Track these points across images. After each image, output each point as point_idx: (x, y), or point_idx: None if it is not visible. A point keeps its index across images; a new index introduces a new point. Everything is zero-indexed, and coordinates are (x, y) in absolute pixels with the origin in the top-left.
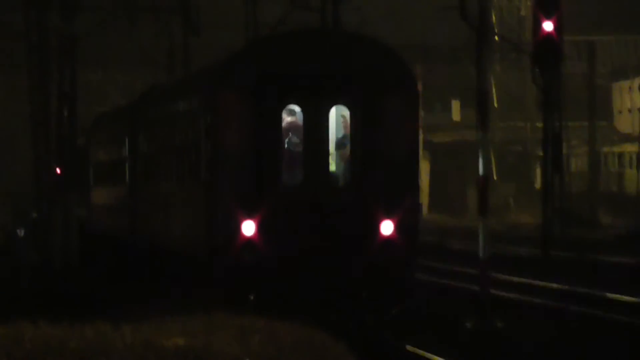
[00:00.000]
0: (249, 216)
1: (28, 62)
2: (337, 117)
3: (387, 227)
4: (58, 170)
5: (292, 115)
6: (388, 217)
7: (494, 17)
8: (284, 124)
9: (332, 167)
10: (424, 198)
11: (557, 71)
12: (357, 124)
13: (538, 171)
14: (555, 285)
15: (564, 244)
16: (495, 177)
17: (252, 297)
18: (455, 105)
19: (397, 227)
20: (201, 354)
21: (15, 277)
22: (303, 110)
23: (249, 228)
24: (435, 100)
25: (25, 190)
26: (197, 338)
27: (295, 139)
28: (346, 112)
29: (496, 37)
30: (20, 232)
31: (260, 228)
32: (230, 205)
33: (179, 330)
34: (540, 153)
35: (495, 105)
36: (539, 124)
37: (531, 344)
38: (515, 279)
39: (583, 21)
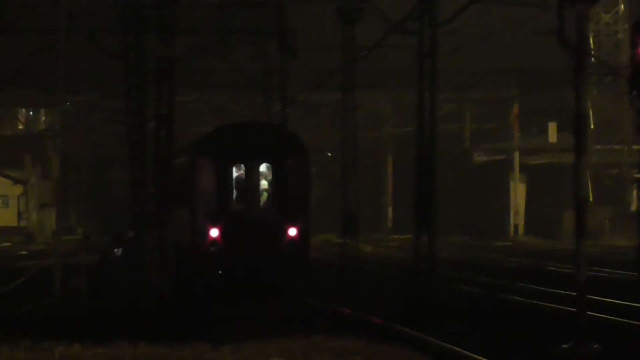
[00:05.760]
0: (214, 226)
1: (125, 83)
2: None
3: (292, 231)
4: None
5: (239, 169)
6: (292, 225)
7: (591, 41)
8: (234, 174)
9: (262, 197)
10: (520, 221)
11: None
12: (274, 174)
13: (634, 194)
14: None
15: None
16: (591, 200)
17: (219, 272)
18: (552, 127)
19: (298, 231)
20: None
21: (111, 297)
22: (244, 166)
23: (214, 233)
24: (531, 123)
25: (121, 211)
26: (295, 359)
27: (240, 183)
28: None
29: (592, 60)
30: (118, 252)
31: (220, 233)
32: (203, 220)
33: (277, 350)
34: (637, 176)
35: (592, 127)
36: (636, 147)
37: None
38: (611, 301)
39: None
